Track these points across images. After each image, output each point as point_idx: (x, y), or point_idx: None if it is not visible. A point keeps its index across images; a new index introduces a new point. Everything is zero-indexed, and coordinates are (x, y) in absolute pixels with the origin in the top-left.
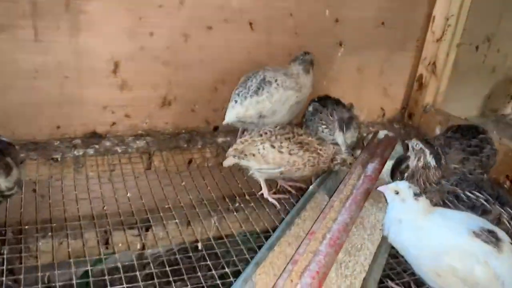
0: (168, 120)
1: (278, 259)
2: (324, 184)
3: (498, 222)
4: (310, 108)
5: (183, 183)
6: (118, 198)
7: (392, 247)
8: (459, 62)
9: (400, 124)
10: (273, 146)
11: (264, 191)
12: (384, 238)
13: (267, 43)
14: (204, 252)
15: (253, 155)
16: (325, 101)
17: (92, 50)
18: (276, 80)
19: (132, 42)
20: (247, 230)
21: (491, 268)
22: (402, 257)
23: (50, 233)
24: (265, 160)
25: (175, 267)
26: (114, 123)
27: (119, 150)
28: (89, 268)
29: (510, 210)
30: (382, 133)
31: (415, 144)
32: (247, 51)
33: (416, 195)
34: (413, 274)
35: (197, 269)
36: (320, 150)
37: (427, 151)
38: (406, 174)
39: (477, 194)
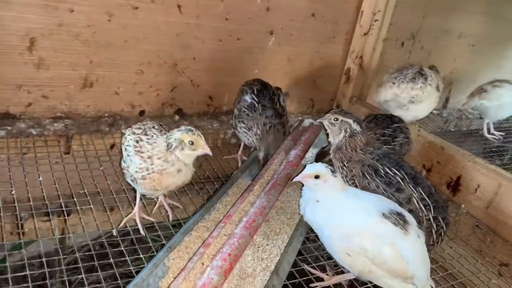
0: (90, 103)
1: (194, 244)
2: (248, 169)
3: (408, 201)
4: (248, 99)
5: (102, 168)
6: (30, 183)
7: (309, 232)
8: (385, 57)
9: None
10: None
11: (135, 208)
12: (300, 222)
13: (196, 26)
14: (119, 239)
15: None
16: (263, 99)
17: (4, 24)
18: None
19: (50, 17)
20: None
21: (398, 249)
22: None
23: None
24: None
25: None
26: (30, 104)
27: (34, 133)
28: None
29: (421, 191)
30: (307, 121)
31: (333, 118)
32: (175, 34)
33: (332, 172)
34: (329, 258)
35: (110, 256)
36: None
37: (350, 120)
38: (330, 151)
39: (395, 171)
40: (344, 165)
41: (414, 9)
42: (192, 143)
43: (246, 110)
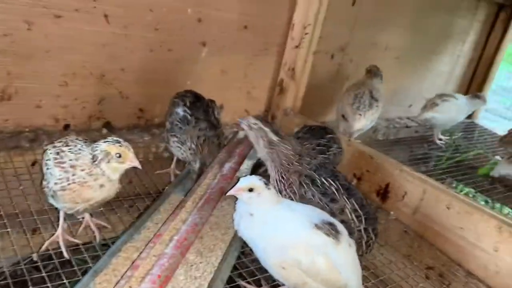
0: (8, 117)
1: (123, 266)
2: (181, 184)
3: (341, 212)
4: (180, 112)
5: (21, 187)
6: None
7: (244, 246)
8: (316, 69)
9: None
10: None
11: (59, 229)
12: (235, 237)
13: (124, 36)
14: (40, 264)
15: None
16: (197, 111)
17: None
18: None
19: None
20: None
21: (330, 259)
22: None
23: None
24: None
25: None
26: None
27: None
28: None
29: (354, 203)
30: (242, 133)
31: (253, 123)
32: (102, 44)
33: (266, 185)
34: (265, 271)
35: (29, 284)
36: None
37: (268, 129)
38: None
39: (331, 182)
40: (283, 177)
41: (342, 22)
42: (120, 156)
43: (178, 123)
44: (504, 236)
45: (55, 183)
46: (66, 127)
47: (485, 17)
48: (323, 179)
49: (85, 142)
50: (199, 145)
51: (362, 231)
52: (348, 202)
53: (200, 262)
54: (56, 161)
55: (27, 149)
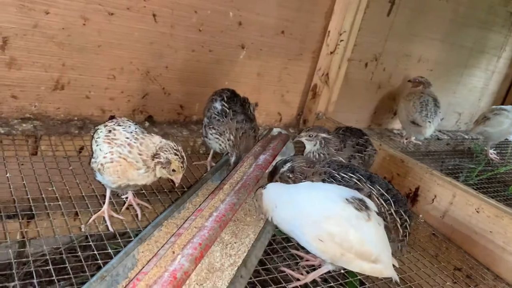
0: (60, 105)
1: (164, 239)
2: (218, 172)
3: (369, 197)
4: (218, 106)
5: (71, 168)
6: None
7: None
8: (350, 76)
9: (295, 129)
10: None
11: (105, 205)
12: (268, 222)
13: (170, 36)
14: (91, 243)
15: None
16: (234, 105)
17: None
18: None
19: (25, 18)
20: (141, 226)
21: (362, 231)
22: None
23: None
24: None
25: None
26: None
27: (2, 131)
28: None
29: (379, 188)
30: (275, 130)
31: (308, 136)
32: (149, 42)
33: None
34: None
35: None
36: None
37: (322, 132)
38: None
39: (350, 174)
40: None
41: (377, 32)
42: (174, 171)
43: (216, 116)
44: None
45: (104, 157)
46: (111, 118)
47: None
48: (342, 174)
49: (136, 124)
50: (237, 137)
51: (394, 213)
52: (373, 188)
53: (235, 242)
54: (107, 138)
55: (76, 135)
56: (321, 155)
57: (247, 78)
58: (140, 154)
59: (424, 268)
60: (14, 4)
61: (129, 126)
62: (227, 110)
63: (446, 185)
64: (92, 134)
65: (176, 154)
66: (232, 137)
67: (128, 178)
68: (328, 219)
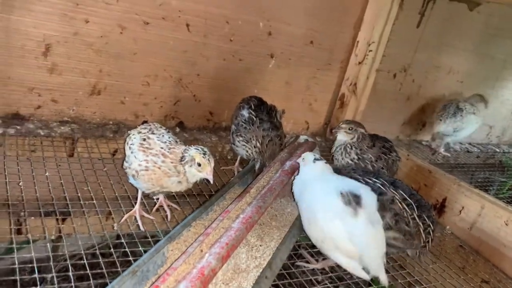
0: (96, 110)
1: (192, 239)
2: (245, 177)
3: (392, 201)
4: (245, 114)
5: (105, 169)
6: (37, 183)
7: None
8: (378, 86)
9: (322, 138)
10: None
11: (136, 205)
12: (293, 226)
13: (202, 45)
14: (123, 241)
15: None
16: (261, 113)
17: (23, 29)
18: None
19: (67, 26)
20: (171, 226)
21: (345, 225)
22: None
23: None
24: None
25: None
26: (39, 107)
27: (42, 133)
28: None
29: (402, 192)
30: (302, 138)
31: (349, 128)
32: (182, 50)
33: (316, 159)
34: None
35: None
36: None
37: (361, 127)
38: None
39: (374, 179)
40: None
41: (406, 43)
42: (199, 165)
43: (244, 123)
44: None
45: (139, 164)
46: (144, 123)
47: None
48: (366, 179)
49: (168, 132)
50: (264, 144)
51: (417, 218)
52: (396, 193)
53: (260, 245)
54: (141, 146)
55: (110, 139)
56: (353, 148)
57: (275, 86)
58: (172, 163)
59: (450, 279)
60: (57, 13)
61: (163, 135)
62: (254, 118)
63: (474, 197)
64: (125, 137)
65: (196, 149)
66: (258, 144)
67: (161, 186)
68: (316, 206)
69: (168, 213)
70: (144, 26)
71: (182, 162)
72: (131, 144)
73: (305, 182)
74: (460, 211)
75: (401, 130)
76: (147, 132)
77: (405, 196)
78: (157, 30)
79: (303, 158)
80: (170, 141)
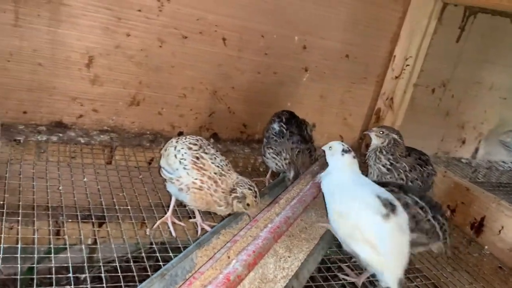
0: (135, 120)
1: (221, 246)
2: (275, 188)
3: (406, 206)
4: (276, 127)
5: (141, 176)
6: (75, 188)
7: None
8: (416, 101)
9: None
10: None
11: (168, 212)
12: (322, 238)
13: (237, 58)
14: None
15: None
16: (291, 126)
17: (68, 42)
18: None
19: (109, 39)
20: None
21: (375, 223)
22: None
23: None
24: (167, 160)
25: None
26: (81, 116)
27: (82, 141)
28: (35, 265)
29: (412, 196)
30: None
31: (380, 132)
32: (218, 64)
33: (344, 151)
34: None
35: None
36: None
37: (394, 133)
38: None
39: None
40: None
41: (445, 58)
42: (248, 205)
43: (274, 136)
44: None
45: (193, 182)
46: (180, 134)
47: None
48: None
49: (216, 151)
50: (294, 156)
51: (432, 219)
52: (407, 197)
53: (289, 256)
54: (196, 165)
55: (147, 148)
56: (383, 152)
57: (309, 100)
58: (223, 193)
59: None
60: (100, 27)
61: (215, 158)
62: (284, 131)
63: None
64: (164, 147)
65: (250, 189)
66: (288, 156)
67: (208, 208)
68: (352, 200)
69: (199, 229)
70: (183, 40)
71: (232, 195)
72: (182, 159)
73: (337, 177)
74: (500, 231)
75: (439, 147)
76: (199, 150)
77: (416, 199)
78: (194, 44)
79: (330, 147)
80: (222, 166)
